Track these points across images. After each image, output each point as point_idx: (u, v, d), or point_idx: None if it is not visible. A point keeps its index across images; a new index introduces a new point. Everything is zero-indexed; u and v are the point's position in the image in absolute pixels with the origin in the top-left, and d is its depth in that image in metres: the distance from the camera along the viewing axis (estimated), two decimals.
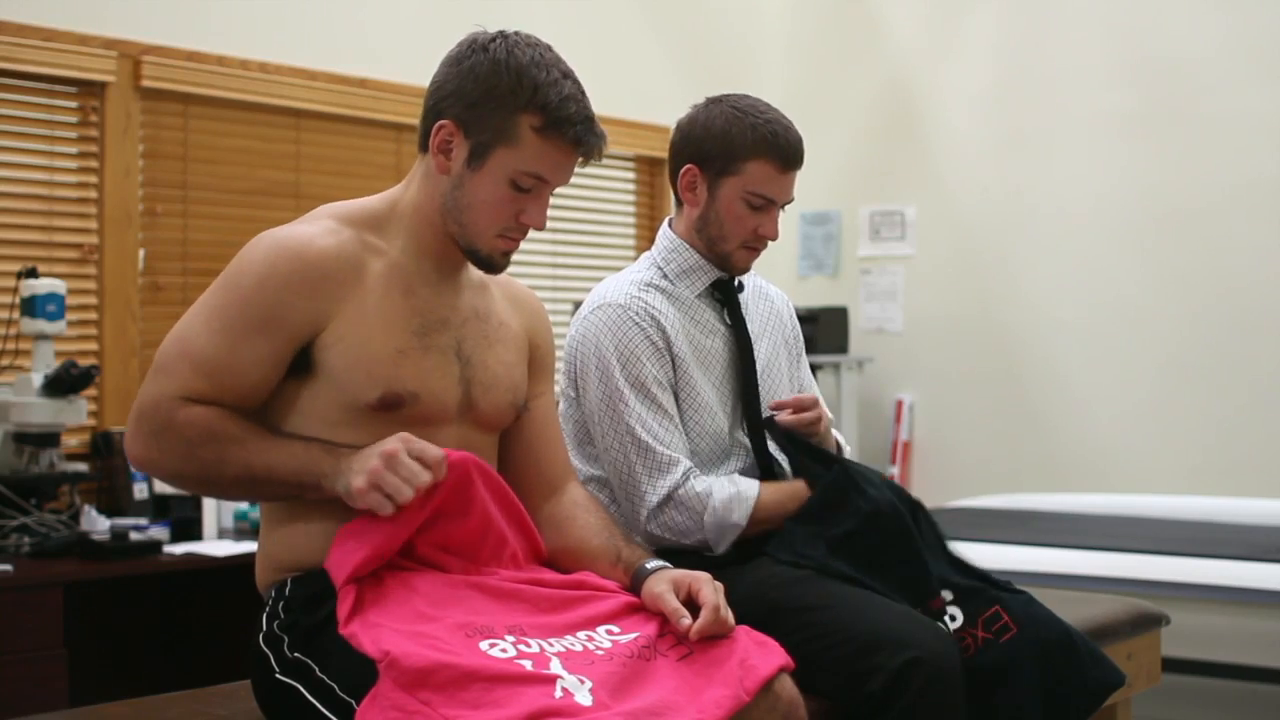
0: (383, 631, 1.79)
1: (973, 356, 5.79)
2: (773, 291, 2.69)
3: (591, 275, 5.52)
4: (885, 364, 5.99)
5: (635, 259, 5.62)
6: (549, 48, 2.01)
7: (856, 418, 5.80)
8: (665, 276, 2.51)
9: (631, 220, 5.69)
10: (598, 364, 2.40)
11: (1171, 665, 3.43)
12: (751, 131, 2.44)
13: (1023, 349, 5.68)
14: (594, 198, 5.51)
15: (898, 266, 5.99)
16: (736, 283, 2.56)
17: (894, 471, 5.85)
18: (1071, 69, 5.56)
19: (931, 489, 5.75)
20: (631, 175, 5.70)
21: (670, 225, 2.57)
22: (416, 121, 4.96)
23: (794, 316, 2.70)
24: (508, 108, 1.95)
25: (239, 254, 1.99)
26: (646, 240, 5.70)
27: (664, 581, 1.99)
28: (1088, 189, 5.52)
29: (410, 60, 4.74)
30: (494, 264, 2.05)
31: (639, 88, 5.57)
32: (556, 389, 2.45)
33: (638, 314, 2.42)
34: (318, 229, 1.99)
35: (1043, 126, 5.63)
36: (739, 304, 2.55)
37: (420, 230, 2.04)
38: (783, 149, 2.45)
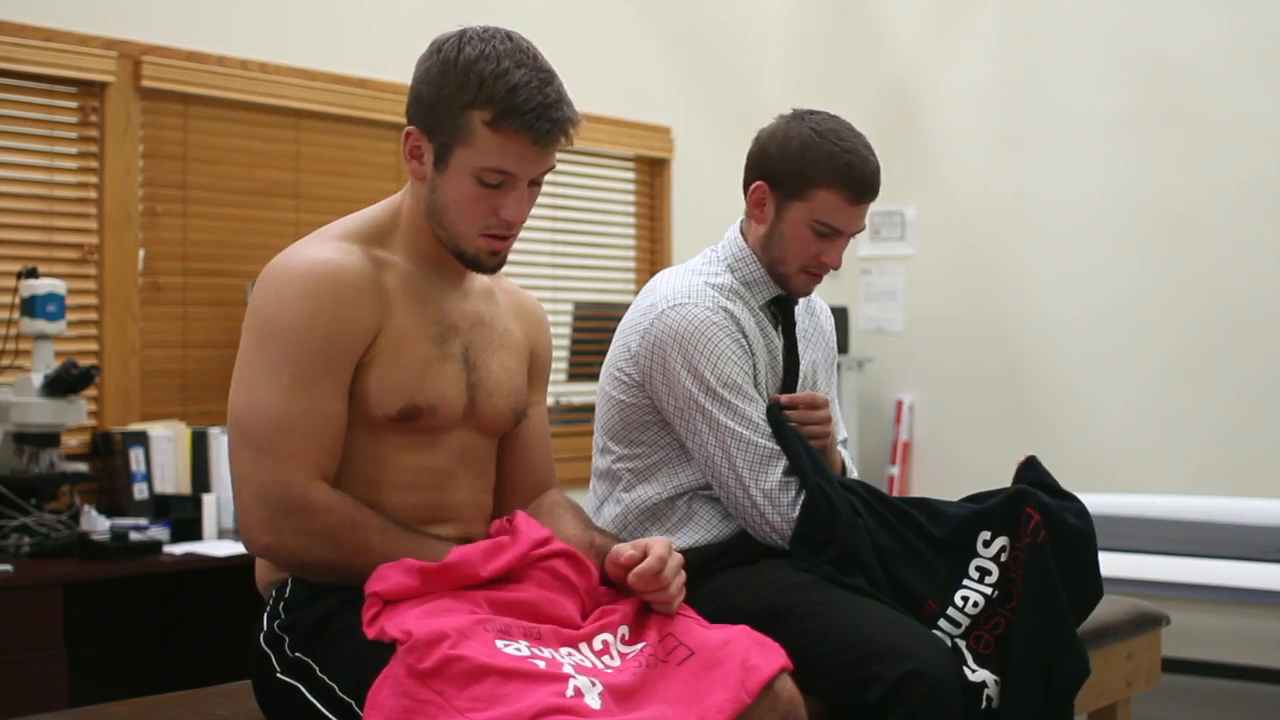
0: (406, 617, 1.80)
1: (973, 356, 5.79)
2: (819, 305, 2.67)
3: (591, 275, 5.52)
4: (885, 364, 5.99)
5: (635, 259, 5.70)
6: (508, 37, 1.97)
7: (856, 418, 5.80)
8: (736, 280, 2.48)
9: (631, 220, 5.68)
10: (684, 363, 2.36)
11: (1171, 665, 3.43)
12: (827, 160, 2.40)
13: (1023, 349, 5.68)
14: (593, 198, 5.51)
15: (898, 266, 5.99)
16: (790, 297, 2.54)
17: (894, 472, 5.85)
18: (1071, 69, 5.56)
19: (931, 489, 5.75)
20: (631, 175, 5.69)
21: (741, 230, 2.53)
22: None
23: (834, 332, 2.69)
24: (457, 105, 1.93)
25: (264, 295, 1.93)
26: (647, 240, 5.70)
27: (625, 544, 2.03)
28: (1087, 189, 5.52)
29: (410, 60, 4.72)
30: (482, 264, 2.02)
31: (639, 88, 5.57)
32: (551, 399, 2.45)
33: (721, 315, 2.40)
34: (334, 250, 1.96)
35: (1043, 126, 5.63)
36: (794, 324, 2.54)
37: (417, 238, 2.04)
38: (856, 181, 2.40)
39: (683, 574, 2.02)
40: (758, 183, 2.47)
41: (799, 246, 2.44)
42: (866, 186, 2.42)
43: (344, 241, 1.99)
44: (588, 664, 1.83)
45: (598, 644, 1.88)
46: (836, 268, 2.47)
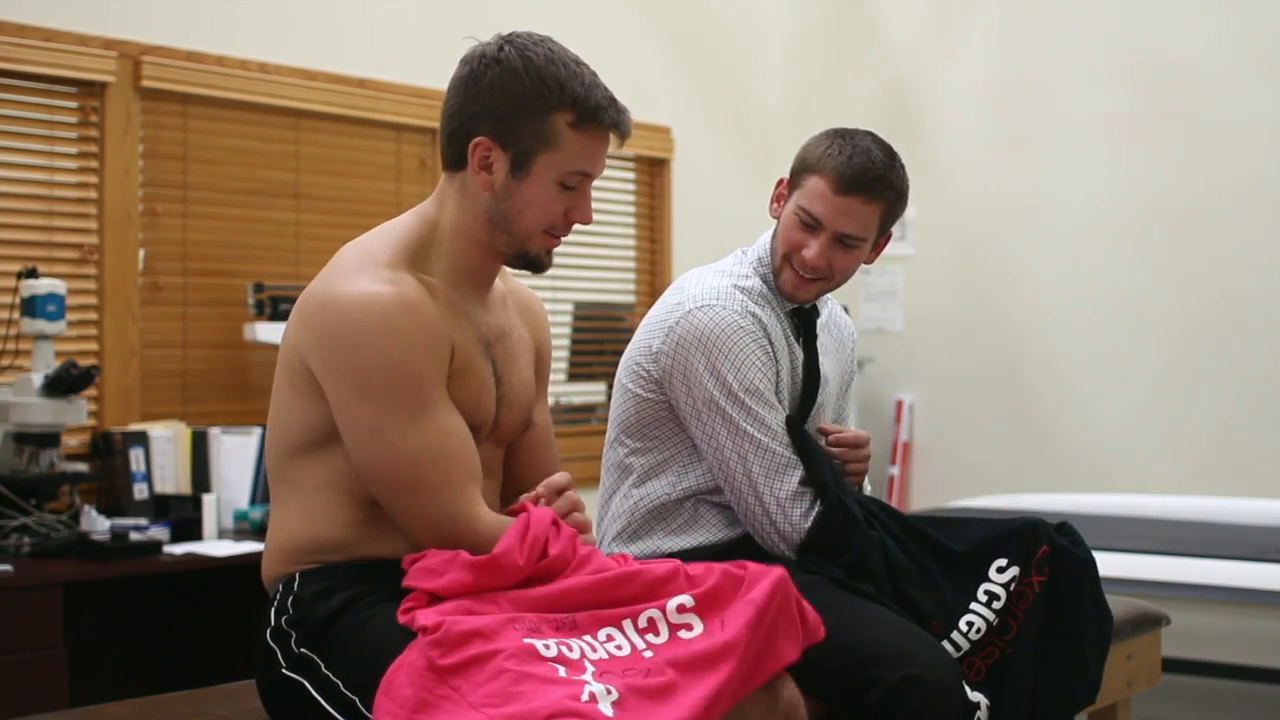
0: (441, 608, 1.81)
1: (973, 356, 5.80)
2: (843, 320, 2.66)
3: (591, 275, 5.52)
4: (885, 364, 5.99)
5: (635, 259, 5.69)
6: (552, 40, 2.00)
7: (857, 418, 5.79)
8: (765, 284, 2.47)
9: (631, 220, 5.68)
10: (708, 365, 2.35)
11: (1171, 665, 3.42)
12: (826, 146, 2.39)
13: (1023, 349, 5.68)
14: (593, 198, 5.49)
15: (898, 267, 5.99)
16: (813, 309, 2.52)
17: (894, 472, 5.85)
18: (1071, 70, 5.57)
19: (931, 489, 5.76)
20: (631, 175, 5.69)
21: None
22: (416, 121, 4.96)
23: (855, 349, 2.68)
24: (540, 111, 1.95)
25: (345, 339, 1.88)
26: (646, 240, 5.70)
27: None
28: (1087, 189, 5.52)
29: (410, 60, 4.75)
30: (542, 262, 2.05)
31: (639, 88, 5.55)
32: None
33: (749, 320, 2.39)
34: (393, 281, 1.91)
35: (1043, 127, 5.64)
36: (815, 335, 2.51)
37: (463, 251, 2.02)
38: (841, 168, 2.36)
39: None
40: (781, 177, 2.48)
41: (785, 236, 2.45)
42: (855, 178, 2.38)
43: (393, 270, 1.94)
44: (625, 649, 1.80)
45: (643, 621, 1.84)
46: (813, 265, 2.40)
